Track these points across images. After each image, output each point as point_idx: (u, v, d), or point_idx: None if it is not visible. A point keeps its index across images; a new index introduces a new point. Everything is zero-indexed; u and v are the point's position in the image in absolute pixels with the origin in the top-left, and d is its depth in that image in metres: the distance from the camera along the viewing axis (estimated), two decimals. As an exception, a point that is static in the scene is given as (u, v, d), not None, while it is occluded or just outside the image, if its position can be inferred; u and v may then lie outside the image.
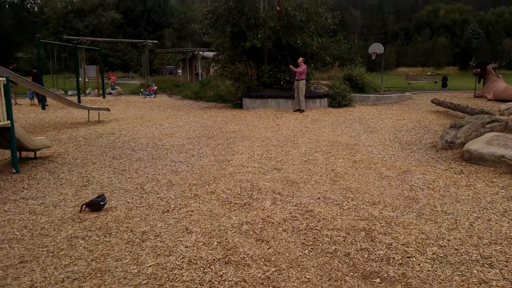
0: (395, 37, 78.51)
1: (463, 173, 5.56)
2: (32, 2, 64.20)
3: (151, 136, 8.73)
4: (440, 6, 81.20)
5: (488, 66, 17.08)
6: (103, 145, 7.79)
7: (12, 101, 8.19)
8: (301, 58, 12.87)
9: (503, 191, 4.72)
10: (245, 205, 4.34)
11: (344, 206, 4.27)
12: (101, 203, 4.22)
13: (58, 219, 3.99)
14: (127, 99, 19.76)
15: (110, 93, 22.83)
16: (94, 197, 4.44)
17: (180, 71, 37.58)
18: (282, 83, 14.64)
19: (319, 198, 4.53)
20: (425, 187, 4.91)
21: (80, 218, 4.02)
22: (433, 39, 68.97)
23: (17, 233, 3.68)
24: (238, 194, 4.69)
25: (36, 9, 61.98)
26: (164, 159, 6.57)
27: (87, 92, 23.24)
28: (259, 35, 13.70)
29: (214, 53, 16.98)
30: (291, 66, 13.26)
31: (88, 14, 58.15)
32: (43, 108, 14.53)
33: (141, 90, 22.26)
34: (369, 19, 79.37)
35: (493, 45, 59.34)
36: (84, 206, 4.20)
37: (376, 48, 21.71)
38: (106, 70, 37.50)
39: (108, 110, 12.28)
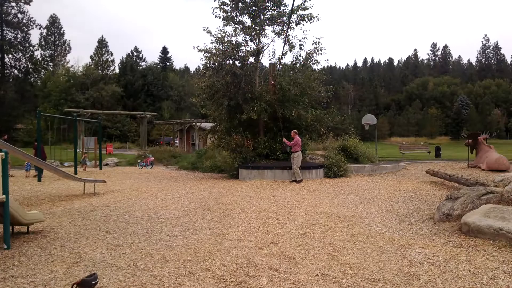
0: (387, 108, 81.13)
1: (462, 247, 5.48)
2: (36, 76, 66.55)
3: (146, 208, 8.65)
4: (428, 79, 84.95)
5: (479, 137, 17.50)
6: (97, 218, 7.69)
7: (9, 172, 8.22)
8: (293, 131, 13.16)
9: (504, 265, 4.63)
10: (241, 283, 4.20)
11: (344, 283, 4.15)
12: (93, 282, 4.08)
13: (47, 300, 3.84)
14: (124, 170, 19.82)
15: (81, 162, 22.46)
16: (86, 275, 4.30)
17: (177, 141, 38.13)
18: (278, 154, 14.85)
19: (317, 275, 4.41)
20: (425, 262, 4.81)
21: (70, 299, 3.86)
22: (424, 110, 71.28)
23: (3, 316, 3.52)
24: (234, 271, 4.56)
25: (39, 83, 64.06)
26: (159, 233, 6.46)
27: (87, 163, 23.32)
28: (255, 108, 14.14)
29: (211, 124, 17.38)
30: (284, 139, 13.52)
31: (90, 87, 60.13)
32: (39, 180, 14.50)
33: (138, 161, 22.41)
34: (361, 91, 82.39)
35: (483, 116, 61.18)
36: (75, 285, 4.06)
37: (369, 119, 22.35)
38: (104, 141, 37.98)
39: (104, 182, 12.28)
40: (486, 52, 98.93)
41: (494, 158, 15.76)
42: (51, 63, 72.47)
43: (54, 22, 73.54)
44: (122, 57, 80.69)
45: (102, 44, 73.34)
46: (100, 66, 71.01)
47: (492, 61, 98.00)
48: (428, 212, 7.87)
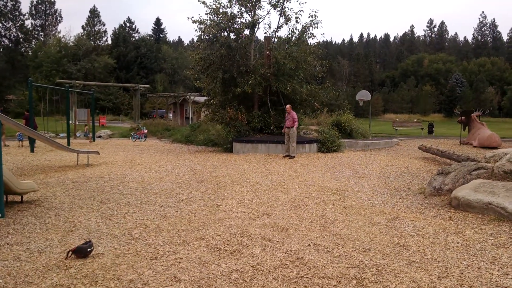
0: (382, 84, 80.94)
1: (451, 220, 5.59)
2: (26, 46, 65.20)
3: (140, 180, 8.68)
4: (424, 56, 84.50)
5: (472, 114, 17.61)
6: (91, 189, 7.71)
7: (1, 142, 8.14)
8: (288, 105, 13.00)
9: (492, 238, 4.74)
10: (234, 252, 4.28)
11: (335, 253, 4.24)
12: (88, 249, 4.13)
13: (43, 266, 3.89)
14: (117, 143, 19.77)
15: (85, 135, 22.59)
16: (81, 243, 4.35)
17: (171, 115, 37.93)
18: (272, 128, 14.86)
19: (309, 245, 4.49)
20: (415, 234, 4.92)
21: (66, 265, 3.91)
22: (418, 87, 71.23)
23: (0, 281, 3.57)
24: (228, 240, 4.64)
25: (30, 53, 62.82)
26: (153, 204, 6.51)
27: (77, 135, 23.23)
28: (249, 82, 14.05)
29: (205, 98, 17.28)
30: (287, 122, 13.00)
31: (82, 58, 59.14)
32: (32, 151, 14.44)
33: (132, 133, 22.33)
34: (356, 67, 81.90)
35: (477, 93, 61.34)
36: (70, 252, 4.11)
37: (364, 95, 22.31)
38: (97, 113, 37.69)
39: (98, 153, 12.25)
40: (483, 29, 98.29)
41: (486, 135, 15.91)
42: (42, 33, 70.94)
43: (44, -10, 71.58)
44: (114, 28, 79.19)
45: (94, 14, 71.70)
46: (92, 37, 69.62)
47: (489, 38, 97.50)
48: (419, 187, 7.99)
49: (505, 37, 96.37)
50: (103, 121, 35.22)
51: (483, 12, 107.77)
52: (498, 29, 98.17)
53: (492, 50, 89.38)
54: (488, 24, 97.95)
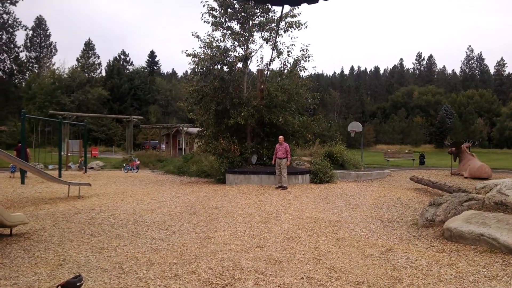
0: (373, 116, 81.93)
1: (444, 252, 5.59)
2: (20, 77, 65.59)
3: (132, 212, 8.60)
4: (413, 88, 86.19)
5: (462, 145, 17.84)
6: (82, 221, 7.62)
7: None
8: (281, 137, 13.11)
9: (485, 270, 4.74)
10: (227, 286, 4.22)
11: (328, 286, 4.20)
12: (77, 284, 4.04)
13: (30, 302, 3.80)
14: (109, 174, 19.64)
15: (80, 167, 22.46)
16: (70, 277, 4.27)
17: (163, 146, 37.92)
18: (264, 159, 14.90)
19: (302, 278, 4.45)
20: (408, 266, 4.90)
21: (54, 301, 3.83)
22: (409, 118, 72.23)
23: (-15, 318, 3.48)
24: (220, 274, 4.58)
25: (23, 85, 63.13)
26: (144, 236, 6.43)
27: (71, 166, 23.08)
28: (242, 113, 14.19)
29: (198, 129, 17.38)
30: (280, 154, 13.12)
31: (75, 90, 59.48)
32: (23, 183, 14.29)
33: (124, 164, 22.22)
34: (348, 99, 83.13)
35: (466, 124, 62.21)
36: (60, 287, 4.03)
37: (355, 126, 22.57)
38: (89, 144, 37.57)
39: (89, 185, 12.16)
40: (470, 62, 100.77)
41: (477, 166, 16.07)
42: (36, 65, 71.56)
43: (40, 23, 72.78)
44: (109, 60, 79.91)
45: (89, 46, 72.73)
46: (87, 69, 70.34)
47: (476, 71, 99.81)
48: (412, 218, 8.00)
49: (492, 70, 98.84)
50: (95, 152, 35.06)
51: (470, 46, 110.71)
52: (485, 62, 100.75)
53: (480, 82, 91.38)
54: (475, 57, 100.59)
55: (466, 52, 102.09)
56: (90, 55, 72.31)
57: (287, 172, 12.85)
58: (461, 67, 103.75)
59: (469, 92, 77.97)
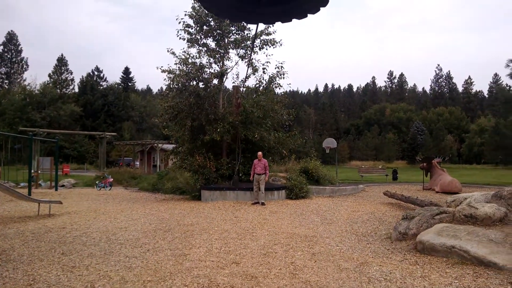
0: (347, 132, 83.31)
1: (417, 264, 5.68)
2: (-11, 94, 63.79)
3: (105, 230, 8.40)
4: (386, 106, 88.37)
5: (433, 161, 18.29)
6: (53, 240, 7.38)
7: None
8: (260, 153, 13.20)
9: (457, 281, 4.83)
10: (202, 302, 4.16)
11: (304, 300, 4.20)
12: (47, 304, 3.91)
13: (-4, 324, 3.64)
14: (81, 192, 19.17)
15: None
16: (39, 297, 4.12)
17: (138, 163, 37.35)
18: (240, 175, 14.88)
19: (278, 293, 4.43)
20: (383, 279, 4.95)
21: (21, 322, 3.68)
22: (382, 135, 73.81)
23: None
24: (196, 290, 4.51)
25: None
26: (118, 254, 6.28)
27: (41, 184, 22.41)
28: (218, 129, 14.19)
29: (174, 145, 17.25)
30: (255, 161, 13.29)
31: (47, 106, 58.20)
32: (-11, 201, 13.76)
33: (96, 182, 21.74)
34: (322, 116, 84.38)
35: (437, 141, 63.99)
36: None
37: (330, 142, 22.84)
38: (61, 162, 36.65)
39: (60, 203, 11.82)
40: (439, 81, 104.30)
41: (447, 181, 16.49)
42: (6, 81, 69.85)
43: (11, 38, 71.46)
44: (82, 76, 78.62)
45: (61, 62, 71.53)
46: (59, 85, 69.02)
47: (445, 89, 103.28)
48: (386, 232, 8.11)
49: (460, 88, 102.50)
50: (66, 169, 34.24)
51: (438, 65, 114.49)
52: (454, 80, 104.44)
53: (449, 100, 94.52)
54: (444, 76, 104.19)
55: (435, 70, 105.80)
56: (62, 71, 71.11)
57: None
58: (430, 85, 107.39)
59: (439, 110, 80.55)
